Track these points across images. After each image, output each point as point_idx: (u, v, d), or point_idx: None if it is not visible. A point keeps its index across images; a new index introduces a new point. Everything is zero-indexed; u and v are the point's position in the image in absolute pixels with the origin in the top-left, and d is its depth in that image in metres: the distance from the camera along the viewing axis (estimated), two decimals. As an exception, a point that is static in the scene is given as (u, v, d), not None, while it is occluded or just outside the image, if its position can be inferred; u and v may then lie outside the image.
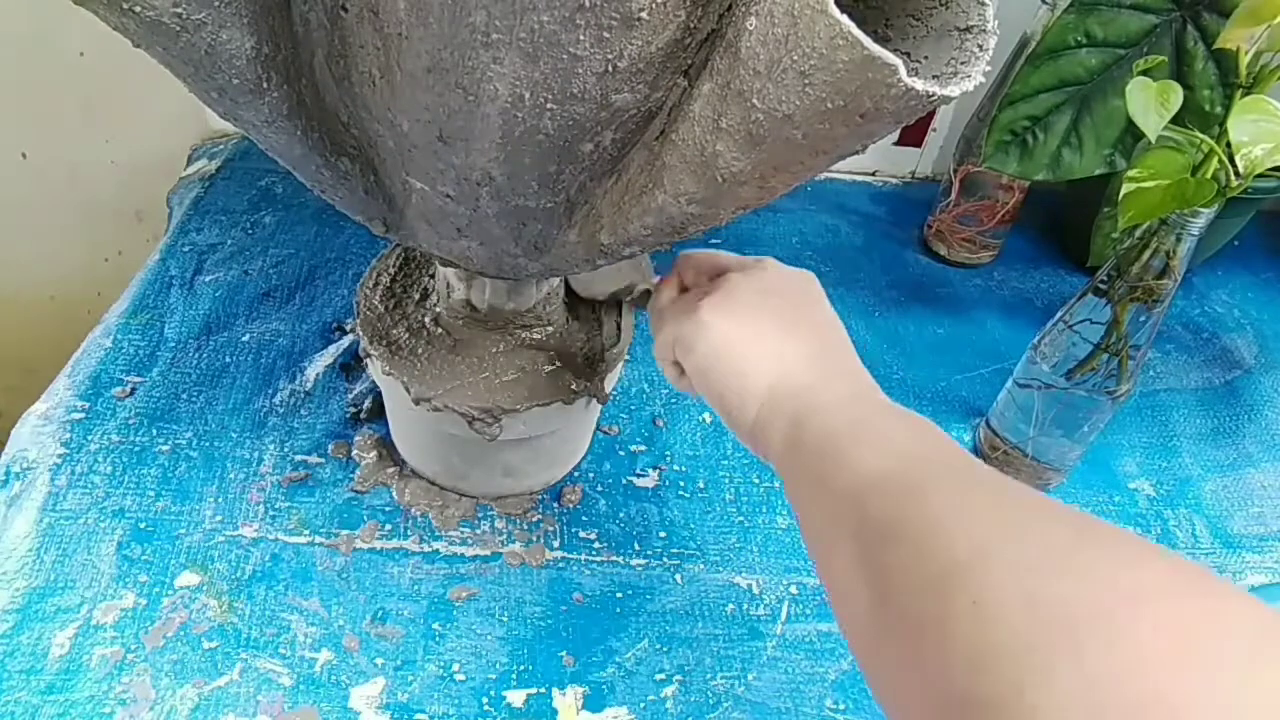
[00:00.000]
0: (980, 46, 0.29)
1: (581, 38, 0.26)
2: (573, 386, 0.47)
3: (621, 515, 0.54)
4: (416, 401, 0.46)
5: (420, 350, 0.48)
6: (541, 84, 0.27)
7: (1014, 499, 0.26)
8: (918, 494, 0.27)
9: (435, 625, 0.47)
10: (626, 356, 0.50)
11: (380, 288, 0.50)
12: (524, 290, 0.46)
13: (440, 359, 0.47)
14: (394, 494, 0.53)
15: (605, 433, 0.58)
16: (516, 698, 0.45)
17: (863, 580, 0.27)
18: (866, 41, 0.23)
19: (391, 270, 0.51)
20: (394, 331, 0.48)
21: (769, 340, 0.37)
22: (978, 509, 0.26)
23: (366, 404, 0.57)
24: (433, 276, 0.50)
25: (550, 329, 0.49)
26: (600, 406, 0.51)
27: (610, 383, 0.49)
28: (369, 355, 0.47)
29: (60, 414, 0.54)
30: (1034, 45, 0.59)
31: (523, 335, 0.48)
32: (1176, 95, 0.43)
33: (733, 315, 0.38)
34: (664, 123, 0.31)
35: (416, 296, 0.50)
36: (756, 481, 0.57)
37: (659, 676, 0.47)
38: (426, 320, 0.49)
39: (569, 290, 0.50)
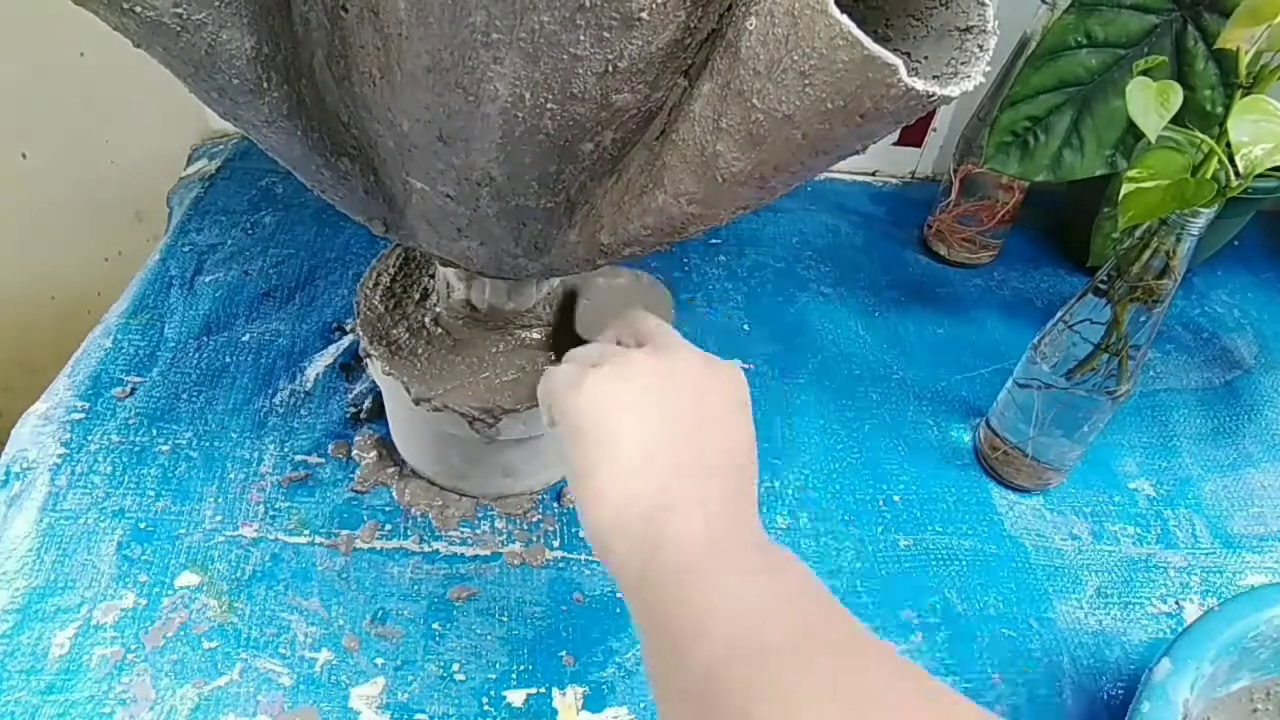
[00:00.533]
0: (980, 47, 0.29)
1: (582, 38, 0.26)
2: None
3: (621, 515, 0.54)
4: (416, 401, 0.46)
5: (420, 350, 0.48)
6: (542, 84, 0.27)
7: (861, 687, 0.25)
8: (766, 688, 0.25)
9: (435, 625, 0.47)
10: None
11: (380, 288, 0.50)
12: (524, 290, 0.46)
13: (440, 359, 0.47)
14: (394, 494, 0.53)
15: (605, 433, 0.58)
16: (516, 698, 0.45)
17: None
18: (866, 41, 0.23)
19: (391, 270, 0.51)
20: (394, 331, 0.48)
21: (645, 435, 0.32)
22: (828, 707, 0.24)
23: (366, 404, 0.57)
24: (433, 276, 0.50)
25: (550, 329, 0.49)
26: None
27: None
28: (369, 355, 0.47)
29: (60, 414, 0.54)
30: (1034, 46, 0.59)
31: (523, 335, 0.48)
32: (1177, 95, 0.43)
33: (615, 395, 0.33)
34: (664, 123, 0.31)
35: (416, 296, 0.50)
36: (756, 481, 0.57)
37: (659, 676, 0.47)
38: (426, 320, 0.49)
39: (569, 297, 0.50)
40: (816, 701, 0.24)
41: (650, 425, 0.32)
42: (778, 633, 0.27)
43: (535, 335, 0.48)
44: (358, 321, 0.48)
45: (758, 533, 0.32)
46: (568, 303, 0.49)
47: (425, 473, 0.53)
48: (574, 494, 0.33)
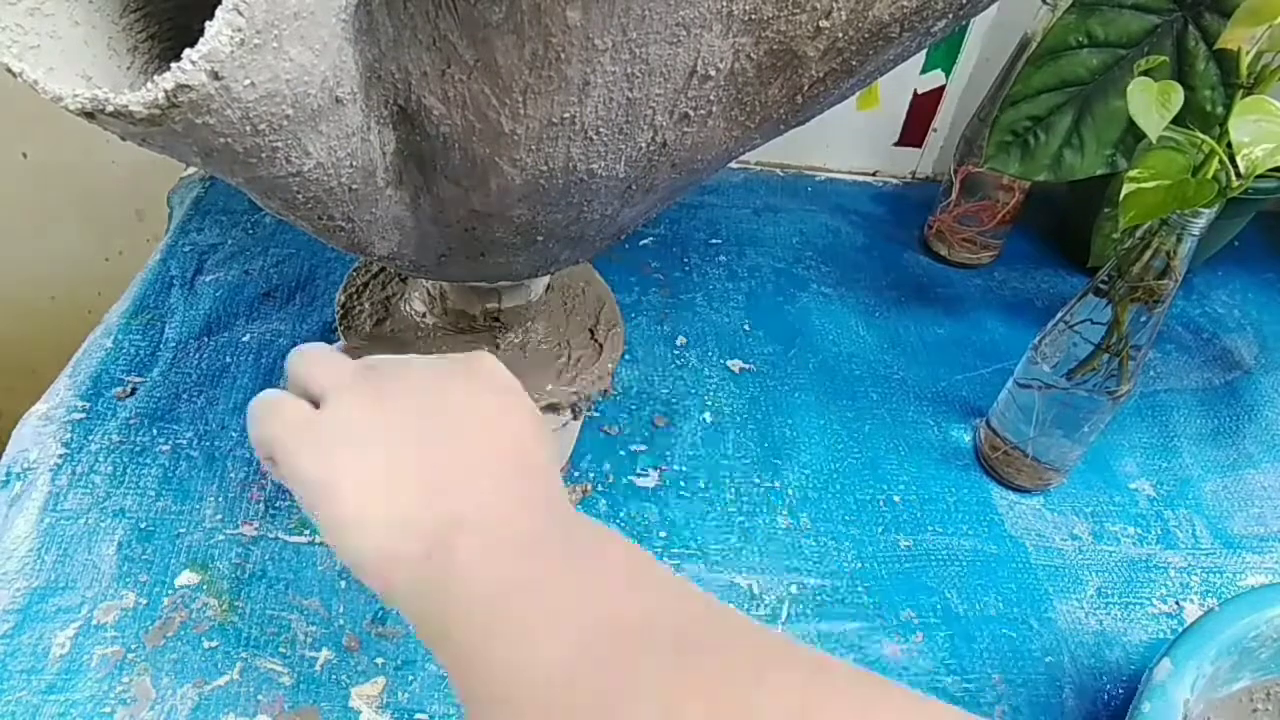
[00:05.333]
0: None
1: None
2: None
3: (621, 515, 0.54)
4: None
5: (404, 351, 0.47)
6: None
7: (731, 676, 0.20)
8: (638, 687, 0.20)
9: (436, 625, 0.47)
10: (624, 356, 0.50)
11: (366, 289, 0.50)
12: (513, 291, 0.46)
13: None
14: (394, 494, 0.53)
15: (605, 433, 0.58)
16: (517, 698, 0.45)
17: None
18: None
19: (374, 269, 0.51)
20: (375, 332, 0.48)
21: (381, 462, 0.27)
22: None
23: (367, 404, 0.57)
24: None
25: (539, 332, 0.49)
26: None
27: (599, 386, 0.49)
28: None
29: (61, 414, 0.54)
30: (1035, 45, 0.59)
31: (510, 338, 0.48)
32: (1178, 95, 0.43)
33: (323, 437, 0.28)
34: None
35: (400, 297, 0.50)
36: (757, 482, 0.57)
37: (659, 676, 0.47)
38: (414, 319, 0.48)
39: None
40: (700, 695, 0.20)
41: (388, 447, 0.27)
42: (614, 642, 0.22)
43: (521, 337, 0.48)
44: (338, 322, 0.48)
45: (558, 507, 0.27)
46: None
47: None
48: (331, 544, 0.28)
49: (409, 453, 0.27)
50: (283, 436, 0.29)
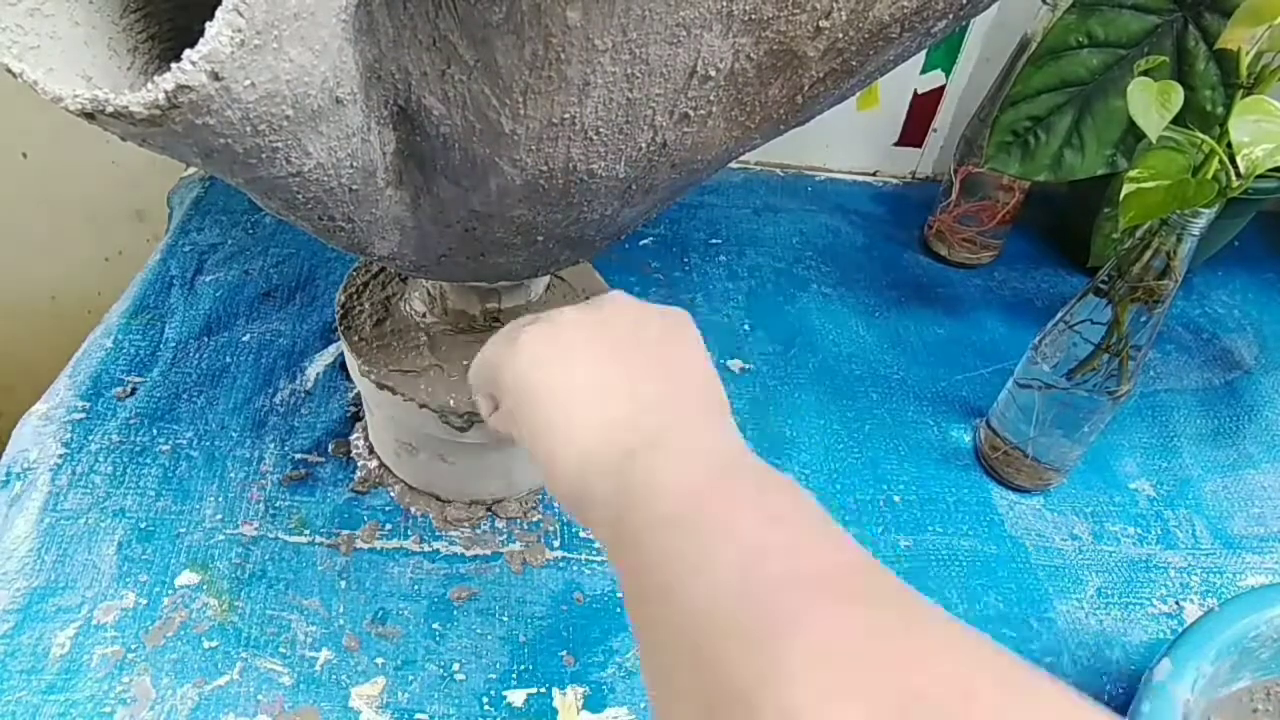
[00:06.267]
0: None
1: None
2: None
3: (622, 515, 0.54)
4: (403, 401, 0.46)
5: (403, 351, 0.47)
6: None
7: (907, 638, 0.20)
8: (775, 643, 0.20)
9: (435, 625, 0.47)
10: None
11: (366, 288, 0.50)
12: (513, 291, 0.46)
13: (423, 359, 0.47)
14: (394, 494, 0.53)
15: (606, 433, 0.58)
16: (516, 698, 0.45)
17: None
18: None
19: (374, 270, 0.51)
20: (376, 333, 0.48)
21: (597, 373, 0.29)
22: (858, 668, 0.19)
23: (367, 404, 0.57)
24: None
25: None
26: None
27: None
28: (354, 357, 0.47)
29: (61, 414, 0.54)
30: (1035, 45, 0.59)
31: None
32: (1178, 95, 0.43)
33: (554, 343, 0.30)
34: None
35: (400, 298, 0.50)
36: (757, 481, 0.57)
37: (659, 676, 0.47)
38: (414, 319, 0.48)
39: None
40: (869, 636, 0.20)
41: (600, 363, 0.30)
42: (785, 576, 0.22)
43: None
44: (338, 322, 0.48)
45: (748, 457, 0.27)
46: None
47: (400, 474, 0.53)
48: (534, 458, 0.29)
49: (618, 370, 0.30)
50: (491, 359, 0.32)
